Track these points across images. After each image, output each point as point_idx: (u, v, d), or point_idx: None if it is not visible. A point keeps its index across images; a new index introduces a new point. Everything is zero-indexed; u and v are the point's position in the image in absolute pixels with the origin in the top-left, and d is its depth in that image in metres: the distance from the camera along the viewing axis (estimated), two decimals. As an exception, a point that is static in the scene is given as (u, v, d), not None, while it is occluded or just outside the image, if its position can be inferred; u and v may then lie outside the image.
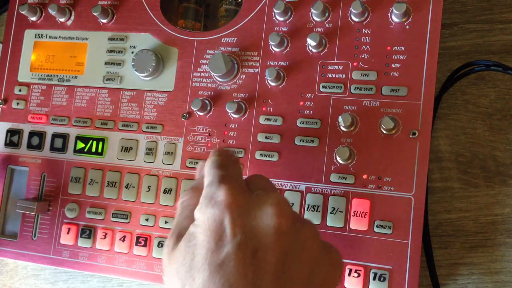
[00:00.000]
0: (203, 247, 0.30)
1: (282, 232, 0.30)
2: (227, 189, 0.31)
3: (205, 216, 0.31)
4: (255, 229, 0.30)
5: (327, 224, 0.42)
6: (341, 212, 0.42)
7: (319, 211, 0.42)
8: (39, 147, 0.51)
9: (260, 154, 0.45)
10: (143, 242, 0.46)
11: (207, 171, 0.34)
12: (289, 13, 0.45)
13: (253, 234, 0.30)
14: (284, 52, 0.45)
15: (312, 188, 0.43)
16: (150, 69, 0.47)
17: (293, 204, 0.43)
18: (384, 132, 0.42)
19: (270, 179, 0.37)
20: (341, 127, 0.43)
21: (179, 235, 0.33)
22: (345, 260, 0.41)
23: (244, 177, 0.39)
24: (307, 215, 0.43)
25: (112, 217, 0.47)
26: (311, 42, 0.43)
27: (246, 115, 0.46)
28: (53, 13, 0.51)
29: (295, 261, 0.31)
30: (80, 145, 0.49)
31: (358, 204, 0.42)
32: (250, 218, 0.31)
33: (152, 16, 0.50)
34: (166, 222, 0.46)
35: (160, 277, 0.45)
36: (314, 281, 0.31)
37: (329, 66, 0.44)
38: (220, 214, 0.31)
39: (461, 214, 0.47)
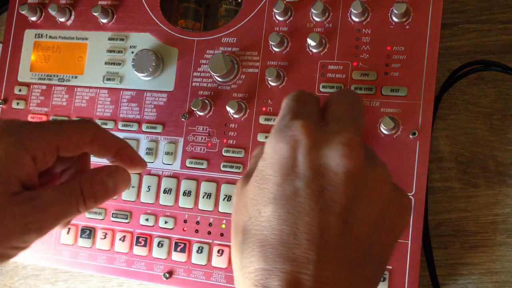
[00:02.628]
0: (269, 181, 0.30)
1: (351, 174, 0.29)
2: (299, 125, 0.30)
3: (273, 150, 0.30)
4: (324, 168, 0.29)
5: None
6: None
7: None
8: (39, 147, 0.50)
9: (260, 154, 0.44)
10: (143, 242, 0.46)
11: (283, 104, 0.33)
12: (289, 13, 0.45)
13: (322, 173, 0.29)
14: (284, 52, 0.45)
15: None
16: (150, 69, 0.47)
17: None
18: (384, 132, 0.42)
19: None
20: (341, 127, 0.43)
21: (249, 174, 0.32)
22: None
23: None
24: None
25: (112, 217, 0.47)
26: (311, 42, 0.43)
27: (246, 115, 0.46)
28: (53, 13, 0.51)
29: (364, 203, 0.30)
30: (80, 145, 0.49)
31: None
32: (319, 156, 0.30)
33: (152, 16, 0.50)
34: (166, 222, 0.46)
35: (159, 277, 0.45)
36: (381, 224, 0.31)
37: (329, 66, 0.44)
38: (290, 149, 0.30)
39: (461, 214, 0.47)
